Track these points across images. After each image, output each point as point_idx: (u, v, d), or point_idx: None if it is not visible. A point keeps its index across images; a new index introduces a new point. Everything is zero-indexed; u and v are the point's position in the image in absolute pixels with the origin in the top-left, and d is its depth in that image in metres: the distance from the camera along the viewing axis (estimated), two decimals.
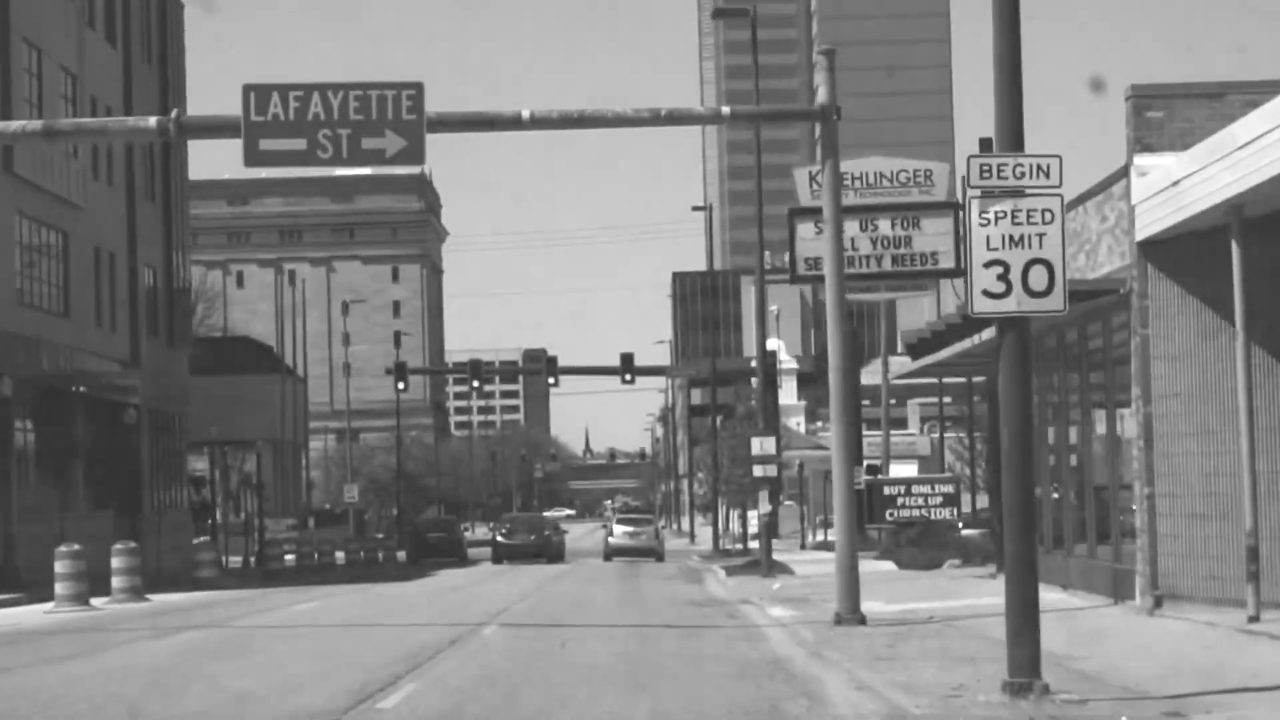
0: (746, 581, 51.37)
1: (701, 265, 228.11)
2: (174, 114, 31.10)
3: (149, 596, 47.22)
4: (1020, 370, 19.25)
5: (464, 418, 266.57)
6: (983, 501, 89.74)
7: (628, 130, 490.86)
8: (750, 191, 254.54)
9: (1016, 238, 19.05)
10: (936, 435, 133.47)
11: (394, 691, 20.66)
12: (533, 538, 76.43)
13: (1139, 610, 30.76)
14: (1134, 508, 31.33)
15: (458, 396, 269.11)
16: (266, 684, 21.81)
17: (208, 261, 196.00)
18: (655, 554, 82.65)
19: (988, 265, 19.06)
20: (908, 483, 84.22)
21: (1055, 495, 38.98)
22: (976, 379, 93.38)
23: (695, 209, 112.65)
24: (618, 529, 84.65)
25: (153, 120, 31.75)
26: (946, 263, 43.59)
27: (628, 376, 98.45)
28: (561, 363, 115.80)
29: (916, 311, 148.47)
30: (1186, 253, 29.48)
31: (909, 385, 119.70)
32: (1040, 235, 19.06)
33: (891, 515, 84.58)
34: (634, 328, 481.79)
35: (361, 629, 33.09)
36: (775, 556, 77.12)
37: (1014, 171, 19.08)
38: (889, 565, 57.37)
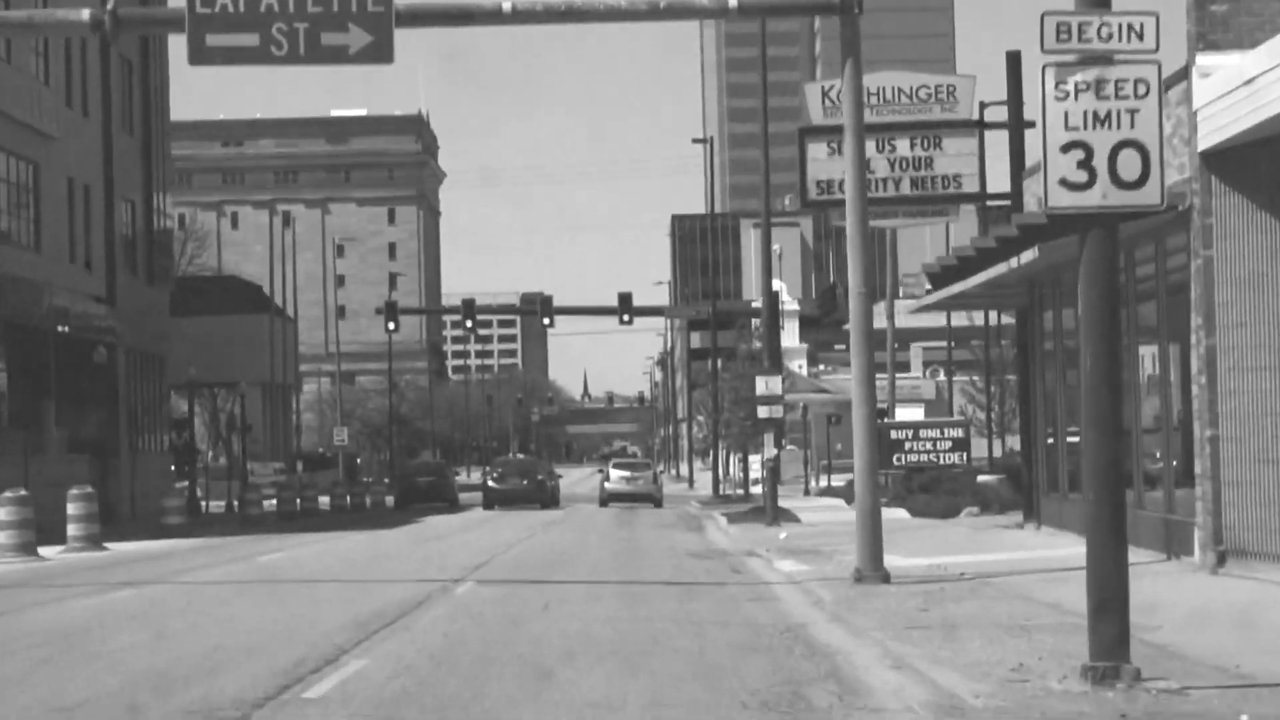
0: (750, 530, 47.62)
1: (701, 208, 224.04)
2: (109, 5, 27.09)
3: (107, 546, 43.45)
4: (1107, 283, 15.38)
5: (461, 361, 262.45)
6: (998, 448, 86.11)
7: (627, 69, 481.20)
8: (752, 135, 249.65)
9: (1102, 115, 15.18)
10: (941, 379, 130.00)
11: (332, 672, 16.87)
12: (525, 483, 72.56)
13: (1198, 568, 26.94)
14: (1195, 452, 27.47)
15: (455, 340, 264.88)
16: (183, 660, 18.02)
17: (201, 203, 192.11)
18: (653, 500, 78.81)
19: (1066, 149, 15.20)
20: (915, 427, 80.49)
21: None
22: (1000, 320, 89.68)
23: (695, 141, 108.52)
24: (614, 474, 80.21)
25: (85, 12, 27.77)
26: (970, 186, 39.73)
27: (625, 317, 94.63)
28: (559, 305, 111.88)
29: (918, 252, 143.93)
30: (1257, 163, 25.57)
31: (913, 329, 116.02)
32: (1132, 112, 15.19)
33: (899, 460, 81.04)
34: (633, 270, 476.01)
35: (322, 585, 29.27)
36: (780, 503, 73.58)
37: (1099, 32, 15.19)
38: (902, 513, 53.64)
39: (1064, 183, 15.17)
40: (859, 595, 25.26)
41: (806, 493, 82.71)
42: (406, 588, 27.69)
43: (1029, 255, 29.05)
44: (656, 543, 42.85)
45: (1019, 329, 41.28)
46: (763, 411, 49.32)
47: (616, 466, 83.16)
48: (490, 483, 73.46)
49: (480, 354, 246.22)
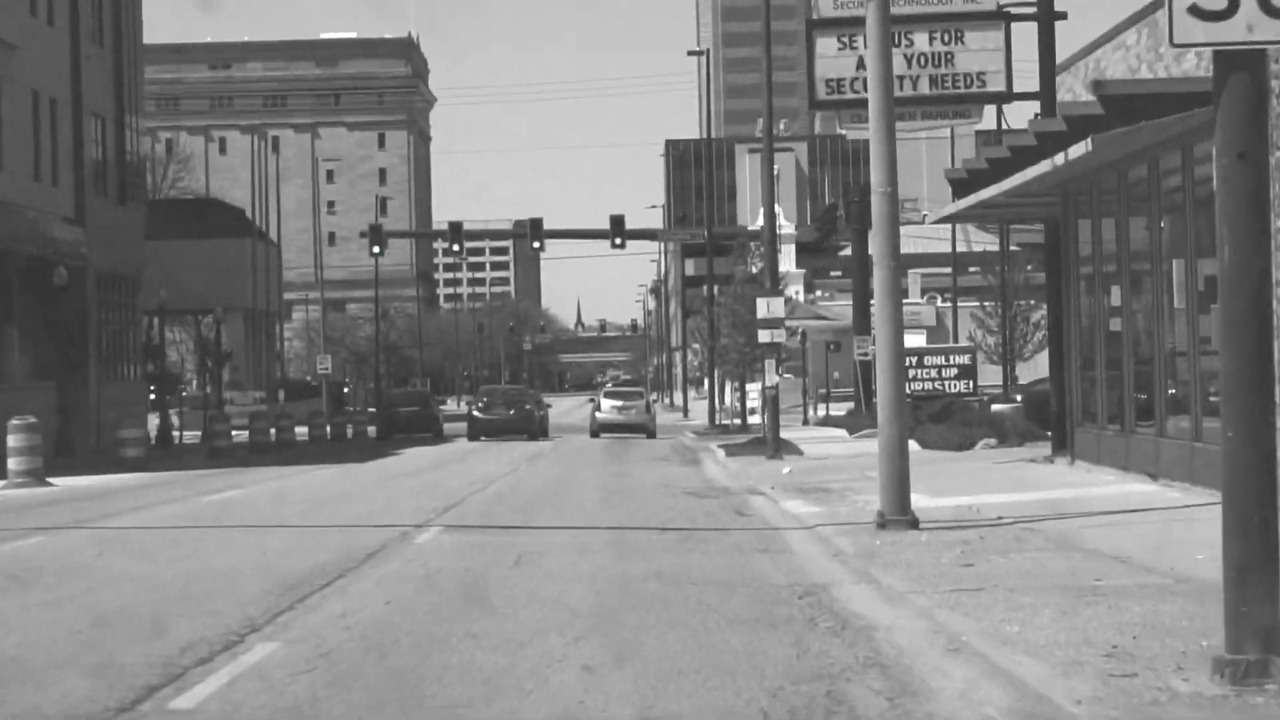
0: (751, 464, 43.75)
1: (696, 132, 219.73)
2: None
3: (53, 481, 39.58)
4: (1253, 143, 11.33)
5: (453, 290, 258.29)
6: (1008, 378, 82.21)
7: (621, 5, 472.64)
8: (747, 59, 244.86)
9: None
10: (941, 304, 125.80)
11: (227, 662, 12.85)
12: (512, 412, 68.57)
13: None
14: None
15: (447, 269, 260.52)
16: (37, 645, 13.97)
17: (188, 127, 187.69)
18: (646, 430, 75.07)
19: None
20: (919, 354, 76.64)
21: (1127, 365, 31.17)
22: (1007, 244, 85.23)
23: (691, 54, 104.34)
24: (605, 403, 76.27)
25: None
26: (995, 85, 35.81)
27: (618, 240, 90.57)
28: (550, 229, 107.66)
29: (912, 177, 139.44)
30: None
31: (910, 255, 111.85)
32: None
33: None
34: (627, 196, 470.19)
35: (265, 532, 25.28)
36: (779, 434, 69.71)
37: None
38: (912, 445, 49.64)
39: (1195, 10, 11.14)
40: (886, 545, 21.36)
41: (805, 422, 78.83)
42: (360, 535, 23.81)
43: (1078, 150, 24.97)
44: (650, 479, 38.98)
45: (1049, 244, 37.25)
46: (763, 336, 45.35)
47: (608, 396, 79.34)
48: (475, 413, 69.53)
49: (473, 282, 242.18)
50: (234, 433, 61.38)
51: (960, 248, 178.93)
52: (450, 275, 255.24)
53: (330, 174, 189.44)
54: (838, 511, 26.97)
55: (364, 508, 29.79)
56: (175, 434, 77.92)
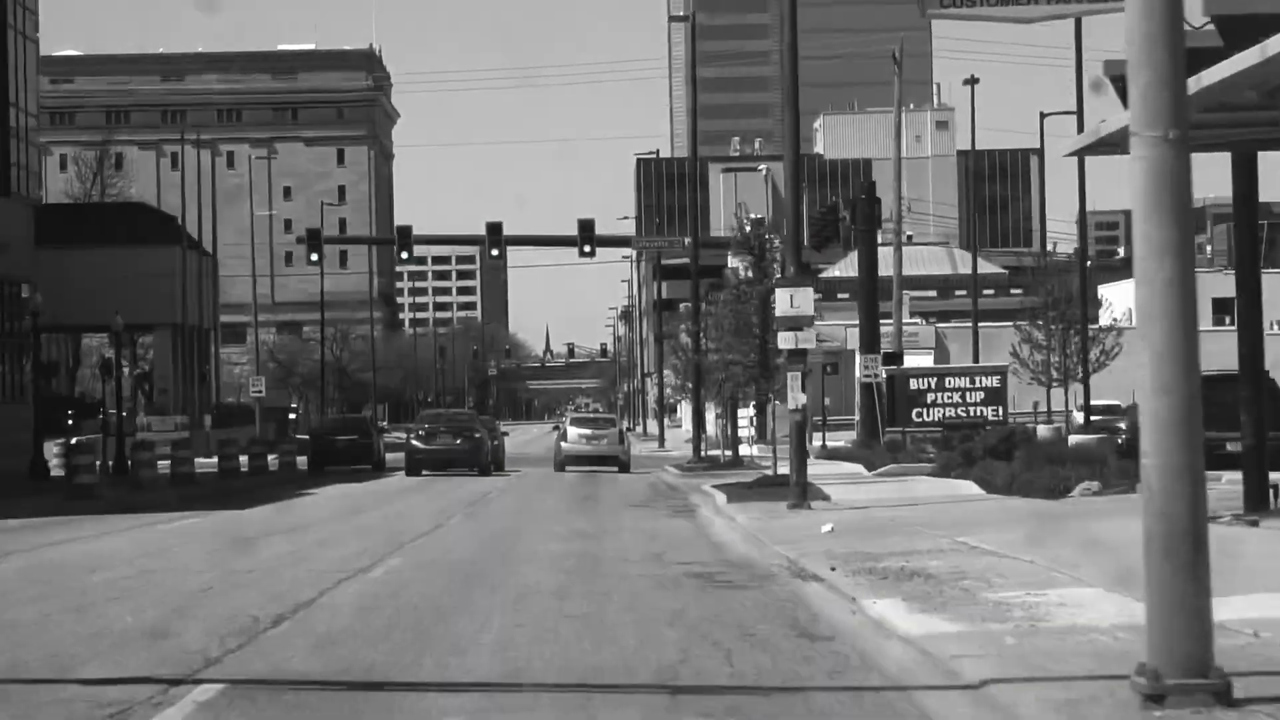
0: (768, 514, 30.89)
1: (665, 153, 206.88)
2: None
3: None
4: None
5: (419, 315, 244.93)
6: (1056, 399, 69.27)
7: (589, 18, 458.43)
8: (720, 79, 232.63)
9: None
10: (939, 324, 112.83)
11: None
12: (458, 442, 55.31)
13: None
14: None
15: (412, 293, 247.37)
16: None
17: (140, 141, 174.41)
18: (619, 463, 61.77)
19: None
20: (939, 374, 63.58)
21: None
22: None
23: (674, 19, 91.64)
24: (573, 432, 63.31)
25: None
26: None
27: (587, 247, 77.88)
28: (518, 255, 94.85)
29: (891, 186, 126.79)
30: None
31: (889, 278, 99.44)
32: None
33: (919, 416, 64.31)
34: (597, 215, 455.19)
35: None
36: (780, 469, 56.84)
37: None
38: (970, 486, 36.82)
39: None
40: None
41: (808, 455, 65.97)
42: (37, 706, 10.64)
43: None
44: (633, 544, 25.83)
45: (1239, 188, 24.03)
46: (786, 340, 32.34)
47: (575, 424, 65.95)
48: (414, 442, 56.21)
49: (439, 307, 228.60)
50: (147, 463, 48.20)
51: (946, 270, 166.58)
52: (415, 300, 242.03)
53: (287, 191, 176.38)
54: (999, 638, 13.89)
55: (112, 620, 16.44)
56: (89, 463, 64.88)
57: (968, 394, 61.84)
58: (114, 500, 41.63)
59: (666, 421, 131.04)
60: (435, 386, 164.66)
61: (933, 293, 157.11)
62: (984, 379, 62.26)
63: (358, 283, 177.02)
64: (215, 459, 59.77)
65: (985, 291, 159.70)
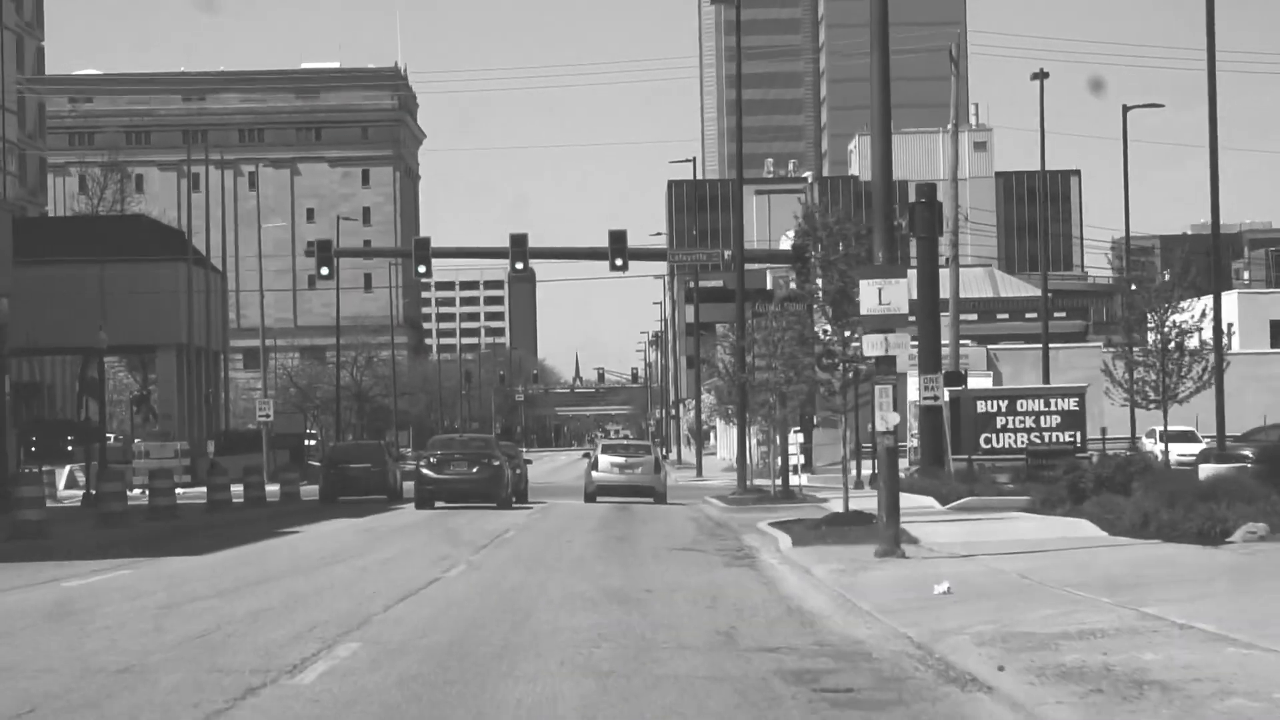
0: (854, 565, 23.98)
1: (698, 174, 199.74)
2: None
3: None
4: None
5: (447, 340, 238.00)
6: (1147, 420, 62.21)
7: (618, 30, 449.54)
8: (751, 101, 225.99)
9: None
10: (992, 348, 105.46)
11: None
12: (474, 471, 48.19)
13: None
14: None
15: (440, 318, 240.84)
16: None
17: (160, 162, 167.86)
18: (654, 494, 56.21)
19: None
20: (1011, 396, 56.32)
21: None
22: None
23: (681, 160, 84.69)
24: (604, 460, 57.59)
25: None
26: None
27: (618, 261, 70.70)
28: (545, 269, 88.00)
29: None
30: None
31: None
32: None
33: (988, 442, 57.10)
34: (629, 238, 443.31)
35: None
36: (817, 494, 49.93)
37: None
38: (1087, 527, 29.66)
39: None
40: None
41: (860, 486, 58.91)
42: None
43: None
44: (687, 613, 18.74)
45: None
46: (873, 345, 25.27)
47: (607, 451, 59.47)
48: (425, 470, 49.01)
49: (466, 332, 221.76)
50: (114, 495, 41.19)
51: (988, 293, 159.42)
52: (442, 325, 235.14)
53: (310, 212, 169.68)
54: None
55: None
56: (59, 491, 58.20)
57: (1042, 418, 54.85)
58: (70, 539, 34.68)
59: (696, 448, 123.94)
60: (460, 412, 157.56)
61: (974, 315, 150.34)
62: (1061, 401, 55.21)
63: (382, 306, 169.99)
64: (205, 489, 52.93)
65: (1028, 315, 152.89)
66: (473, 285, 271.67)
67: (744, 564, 26.91)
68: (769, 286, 77.13)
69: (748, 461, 57.78)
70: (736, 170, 51.23)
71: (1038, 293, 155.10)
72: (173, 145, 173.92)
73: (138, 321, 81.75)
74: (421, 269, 73.61)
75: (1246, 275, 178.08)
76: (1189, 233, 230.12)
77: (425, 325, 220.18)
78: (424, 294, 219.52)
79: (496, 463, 49.23)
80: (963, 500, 43.76)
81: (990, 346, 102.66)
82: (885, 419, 25.57)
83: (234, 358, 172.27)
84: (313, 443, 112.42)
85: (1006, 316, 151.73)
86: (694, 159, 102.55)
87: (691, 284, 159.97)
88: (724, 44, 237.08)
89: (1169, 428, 71.49)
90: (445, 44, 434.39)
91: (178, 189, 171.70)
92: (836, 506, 45.44)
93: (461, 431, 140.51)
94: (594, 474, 57.06)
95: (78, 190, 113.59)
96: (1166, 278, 61.63)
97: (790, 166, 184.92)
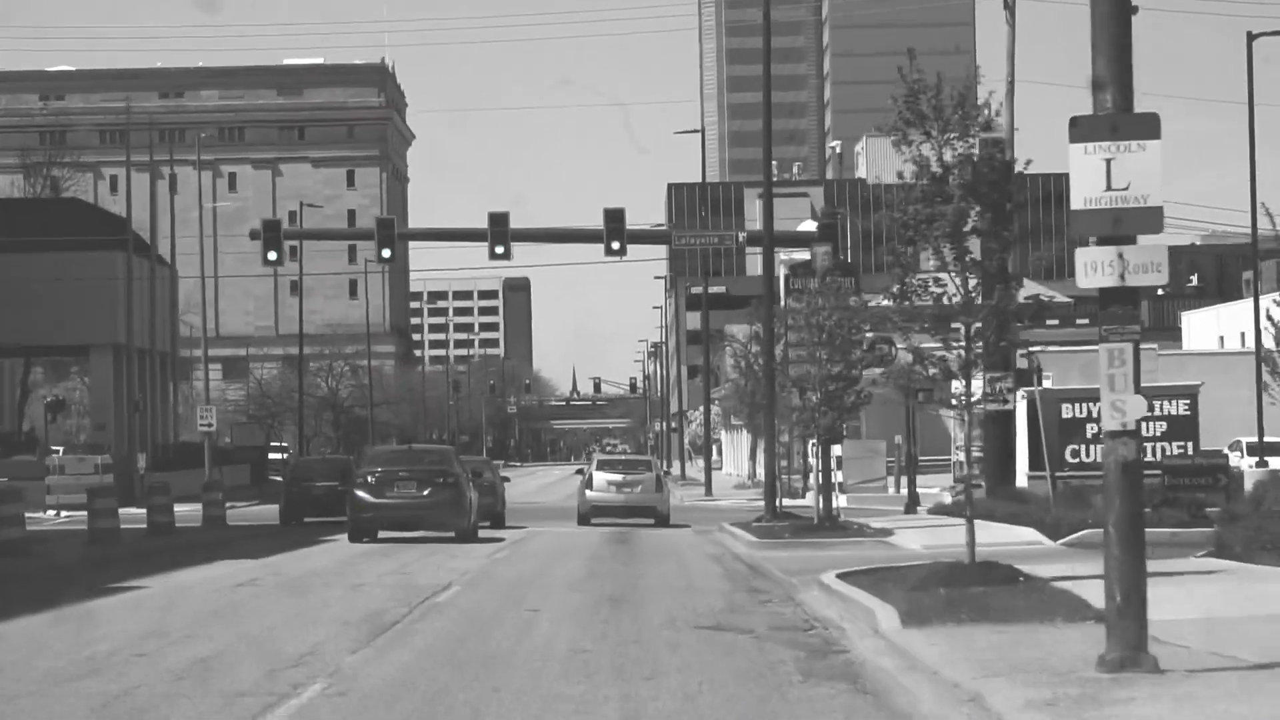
0: (1070, 685, 11.40)
1: (698, 178, 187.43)
2: None
3: None
4: None
5: (440, 351, 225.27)
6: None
7: (619, 43, 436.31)
8: (753, 105, 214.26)
9: None
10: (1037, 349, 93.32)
11: None
12: (425, 493, 35.58)
13: None
14: None
15: (433, 329, 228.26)
16: None
17: (134, 163, 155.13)
18: (655, 514, 47.06)
19: None
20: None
21: None
22: None
23: (681, 133, 72.85)
24: (599, 477, 48.50)
25: None
26: None
27: (615, 244, 58.56)
28: (543, 298, 76.52)
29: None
30: None
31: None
32: None
33: (1075, 456, 45.07)
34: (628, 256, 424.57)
35: None
36: (869, 522, 37.92)
37: None
38: None
39: None
40: None
41: (911, 509, 46.62)
42: None
43: None
44: None
45: None
46: (1097, 269, 12.94)
47: (602, 468, 49.78)
48: (360, 492, 36.46)
49: (460, 344, 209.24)
50: None
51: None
52: (435, 336, 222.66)
53: (293, 215, 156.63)
54: None
55: None
56: None
57: (1143, 424, 42.40)
58: None
59: (700, 462, 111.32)
60: (448, 425, 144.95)
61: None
62: (1168, 404, 43.04)
63: (369, 314, 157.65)
64: (144, 510, 41.39)
65: (1049, 321, 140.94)
66: (466, 295, 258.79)
67: (837, 677, 14.53)
68: (781, 275, 64.60)
69: (775, 479, 45.21)
70: (764, 119, 39.27)
71: (1059, 297, 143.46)
72: (149, 144, 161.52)
73: (67, 318, 69.61)
74: (386, 252, 61.71)
75: (1248, 286, 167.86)
76: (1198, 243, 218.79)
77: (416, 336, 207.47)
78: (414, 304, 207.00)
79: (454, 481, 36.69)
80: (1080, 534, 31.63)
81: (1033, 348, 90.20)
82: (1122, 406, 13.32)
83: (212, 366, 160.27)
84: (284, 456, 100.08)
85: (1057, 322, 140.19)
86: (701, 141, 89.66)
87: (693, 289, 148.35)
88: (724, 45, 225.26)
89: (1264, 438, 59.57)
90: (436, 42, 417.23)
91: (152, 190, 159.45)
92: (907, 542, 33.31)
93: (465, 451, 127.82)
94: (588, 493, 48.13)
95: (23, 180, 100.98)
96: None
97: (795, 170, 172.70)
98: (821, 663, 15.40)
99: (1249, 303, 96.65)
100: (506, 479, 52.38)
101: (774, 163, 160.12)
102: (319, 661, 15.29)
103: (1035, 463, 45.12)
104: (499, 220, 58.67)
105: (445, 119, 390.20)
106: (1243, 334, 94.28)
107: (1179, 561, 23.95)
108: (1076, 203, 13.14)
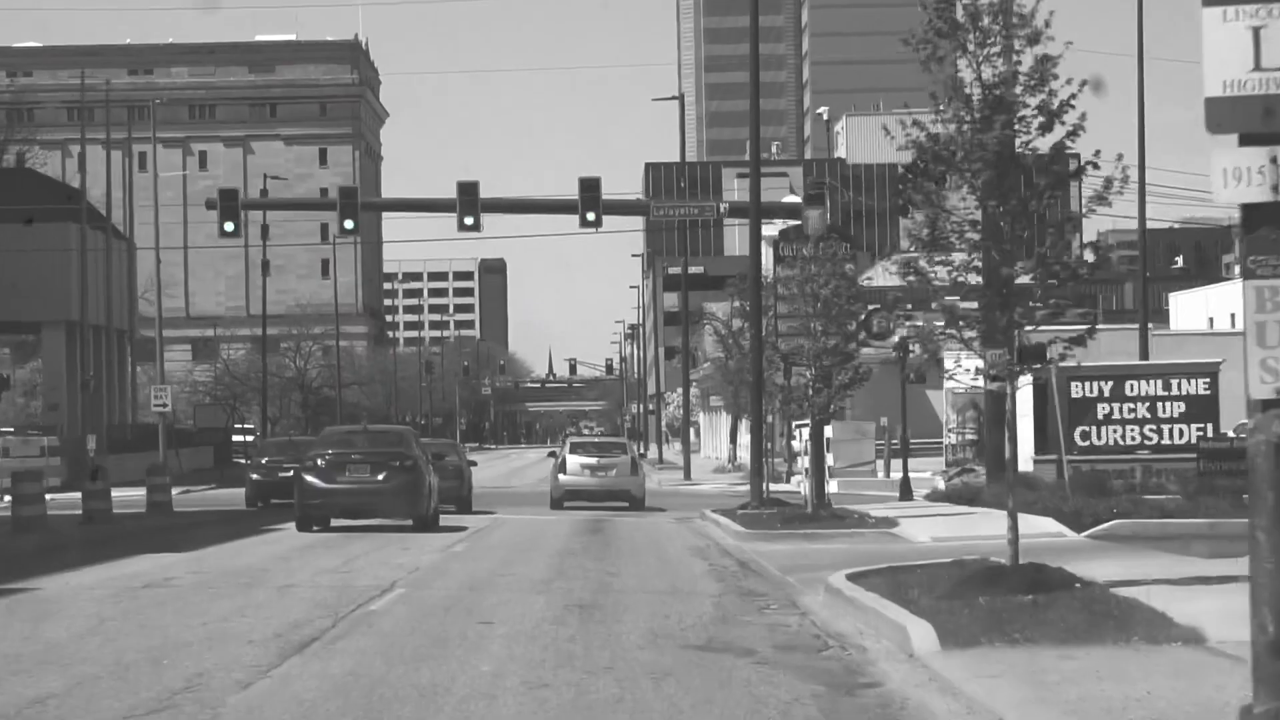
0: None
1: (675, 158, 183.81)
2: None
3: None
4: None
5: (416, 333, 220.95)
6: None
7: (592, 18, 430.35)
8: (732, 85, 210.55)
9: None
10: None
11: None
12: (380, 477, 32.03)
13: None
14: None
15: (409, 310, 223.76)
16: None
17: (102, 141, 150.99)
18: (630, 498, 45.16)
19: None
20: (1118, 376, 40.36)
21: None
22: None
23: (659, 99, 69.80)
24: (573, 461, 46.41)
25: None
26: None
27: (590, 215, 54.95)
28: (519, 280, 72.78)
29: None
30: None
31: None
32: None
33: (1085, 439, 41.86)
34: (606, 236, 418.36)
35: None
36: (866, 510, 34.51)
37: None
38: None
39: None
40: None
41: (905, 496, 42.86)
42: None
43: None
44: None
45: None
46: (1243, 178, 9.24)
47: (576, 451, 47.63)
48: (309, 477, 32.84)
49: (435, 325, 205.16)
50: None
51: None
52: (411, 318, 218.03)
53: (264, 193, 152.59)
54: None
55: None
56: None
57: (1159, 405, 39.34)
58: None
59: (679, 447, 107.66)
60: (419, 407, 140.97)
61: (974, 305, 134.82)
62: (1186, 383, 39.71)
63: (342, 294, 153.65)
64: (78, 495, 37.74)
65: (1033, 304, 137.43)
66: (441, 276, 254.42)
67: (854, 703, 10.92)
68: (767, 251, 60.66)
69: (743, 455, 41.56)
70: (752, 59, 35.48)
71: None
72: (118, 122, 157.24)
73: (17, 293, 65.85)
74: (349, 223, 58.11)
75: (1237, 269, 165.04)
76: (1175, 226, 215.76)
77: (392, 318, 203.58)
78: (389, 285, 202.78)
79: (411, 464, 33.01)
80: (1107, 526, 28.14)
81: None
82: (1278, 366, 9.68)
83: (181, 347, 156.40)
84: (252, 439, 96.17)
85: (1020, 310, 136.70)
86: (676, 97, 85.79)
87: (671, 269, 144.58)
88: (702, 24, 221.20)
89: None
90: (411, 20, 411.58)
91: (124, 168, 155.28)
92: (913, 533, 29.57)
93: (438, 434, 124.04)
94: (561, 477, 46.08)
95: None
96: None
97: (774, 149, 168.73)
98: (849, 701, 11.78)
99: (1239, 284, 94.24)
100: (473, 462, 48.80)
101: (774, 145, 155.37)
102: (193, 702, 11.65)
103: (1040, 446, 41.66)
104: (468, 189, 55.01)
105: (420, 98, 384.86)
106: (1232, 315, 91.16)
107: (1211, 558, 20.35)
108: (1212, 88, 9.50)
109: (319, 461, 32.94)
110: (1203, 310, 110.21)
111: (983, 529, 28.38)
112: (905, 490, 42.77)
